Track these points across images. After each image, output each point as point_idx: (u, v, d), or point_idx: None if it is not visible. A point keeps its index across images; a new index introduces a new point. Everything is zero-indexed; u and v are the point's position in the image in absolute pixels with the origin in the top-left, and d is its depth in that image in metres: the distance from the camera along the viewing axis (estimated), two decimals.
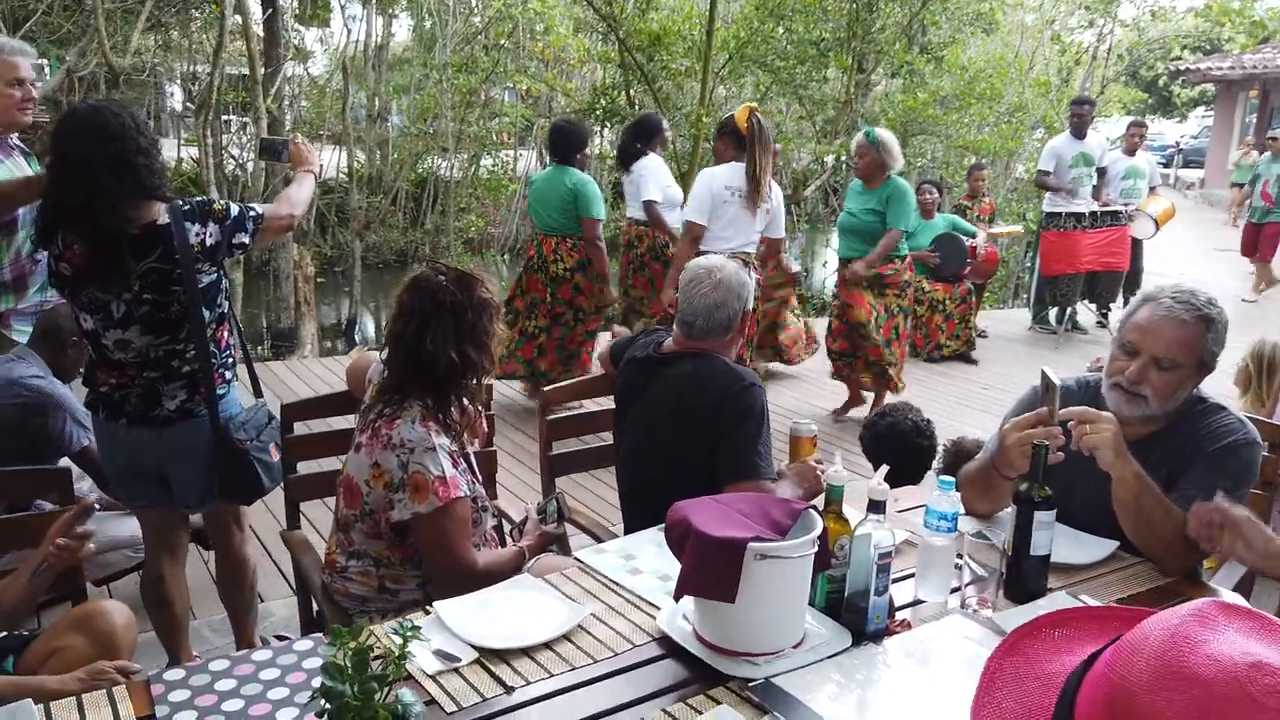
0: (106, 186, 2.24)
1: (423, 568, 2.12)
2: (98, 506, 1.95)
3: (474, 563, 2.06)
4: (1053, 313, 8.24)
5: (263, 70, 9.41)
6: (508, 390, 5.78)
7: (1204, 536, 1.83)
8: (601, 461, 2.92)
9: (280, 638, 2.86)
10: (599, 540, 2.36)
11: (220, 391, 2.50)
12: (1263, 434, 2.09)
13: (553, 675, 1.56)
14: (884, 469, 1.78)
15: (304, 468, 2.73)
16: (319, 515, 3.55)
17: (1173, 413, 2.04)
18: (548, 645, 1.64)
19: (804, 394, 6.13)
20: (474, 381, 2.16)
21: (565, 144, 5.21)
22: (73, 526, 1.78)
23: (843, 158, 12.16)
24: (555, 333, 5.31)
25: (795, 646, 1.59)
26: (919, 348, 7.17)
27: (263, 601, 3.32)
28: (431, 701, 1.47)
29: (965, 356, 7.18)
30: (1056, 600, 1.82)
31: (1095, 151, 7.45)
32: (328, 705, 1.21)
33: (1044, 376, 1.97)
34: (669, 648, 1.63)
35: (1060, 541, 1.87)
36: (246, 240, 2.47)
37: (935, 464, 3.40)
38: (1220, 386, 2.24)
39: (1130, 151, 7.92)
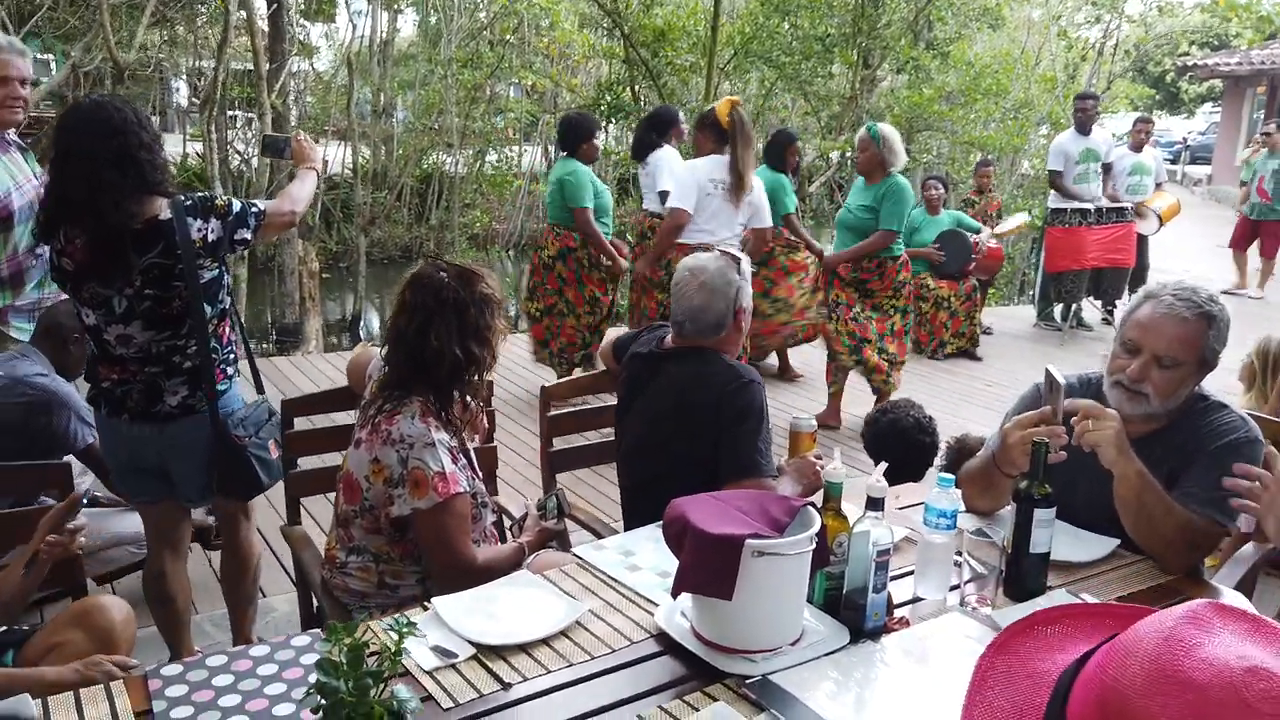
0: (110, 181, 2.24)
1: (422, 563, 2.12)
2: (85, 501, 1.95)
3: (473, 558, 2.06)
4: (1058, 309, 8.21)
5: (267, 65, 9.42)
6: (509, 386, 5.79)
7: (1243, 489, 1.81)
8: (602, 457, 2.92)
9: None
10: (599, 536, 2.36)
11: (221, 387, 2.51)
12: (1265, 431, 2.08)
13: (550, 672, 1.56)
14: (883, 466, 1.78)
15: (305, 463, 2.74)
16: (321, 510, 3.55)
17: (1174, 411, 2.03)
18: (545, 642, 1.64)
19: (805, 390, 6.12)
20: (476, 377, 2.16)
21: (571, 136, 5.30)
22: (62, 520, 1.78)
23: (847, 154, 12.12)
24: (553, 322, 5.47)
25: (793, 644, 1.59)
26: (923, 344, 7.16)
27: (264, 597, 3.33)
28: (428, 698, 1.47)
29: (969, 353, 7.16)
30: (1056, 598, 1.81)
31: (1101, 147, 7.42)
32: (323, 701, 1.21)
33: (1048, 375, 1.96)
34: (667, 644, 1.63)
35: (1060, 539, 1.86)
36: (248, 236, 2.48)
37: (938, 461, 3.40)
38: (1223, 383, 2.23)
39: (1137, 148, 7.89)
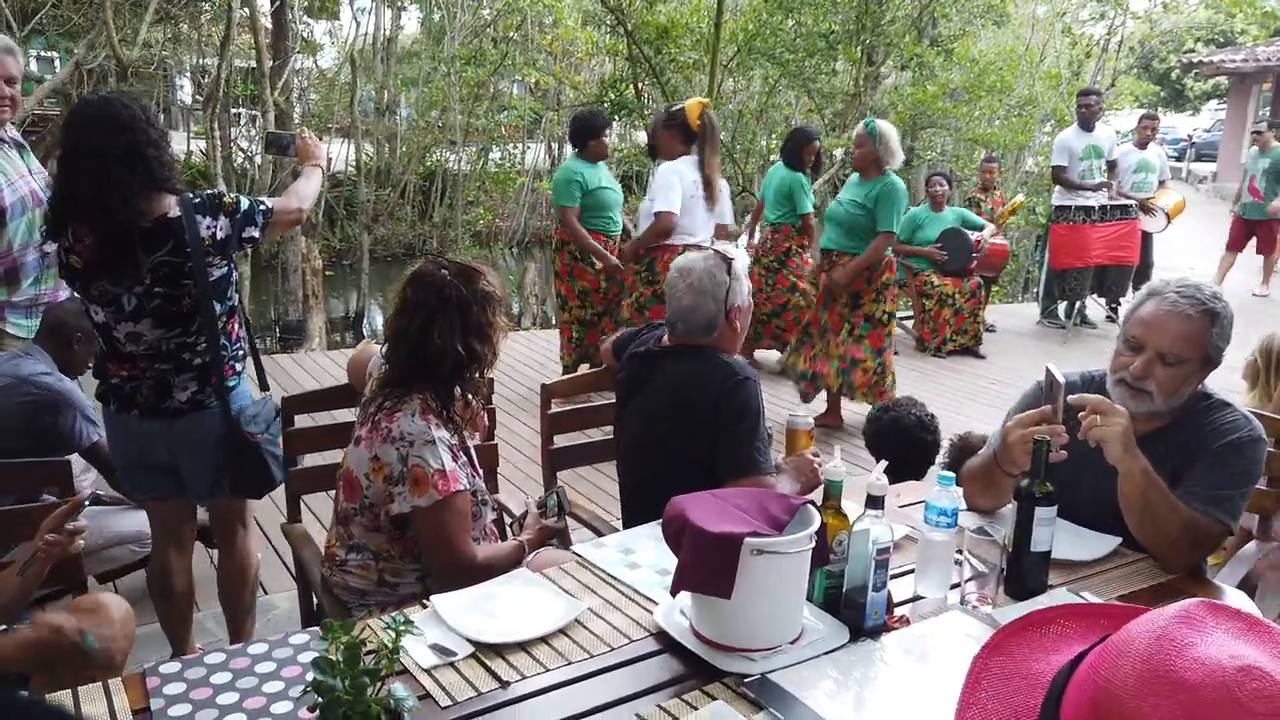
0: (118, 178, 2.24)
1: (422, 561, 2.12)
2: (88, 502, 1.95)
3: (473, 556, 2.05)
4: (1061, 307, 8.19)
5: (270, 63, 9.42)
6: (510, 383, 5.80)
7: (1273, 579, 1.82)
8: (603, 455, 2.91)
9: None
10: (600, 534, 2.36)
11: (230, 384, 2.51)
12: (1268, 430, 2.07)
13: (548, 670, 1.55)
14: (883, 464, 1.77)
15: (306, 460, 2.73)
16: (321, 507, 3.56)
17: (1178, 409, 2.02)
18: (544, 640, 1.63)
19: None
20: (477, 374, 2.16)
21: (579, 133, 5.32)
22: (64, 521, 1.78)
23: (851, 151, 12.08)
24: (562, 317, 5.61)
25: (792, 642, 1.59)
26: (926, 342, 7.15)
27: (265, 594, 3.33)
28: (426, 696, 1.47)
29: (973, 351, 7.14)
30: (1057, 597, 1.81)
31: (1104, 144, 7.39)
32: (319, 699, 1.21)
33: (1048, 373, 1.96)
34: (666, 643, 1.63)
35: (1062, 538, 1.86)
36: (256, 234, 2.48)
37: (940, 459, 3.39)
38: (1226, 381, 2.22)
39: (1142, 145, 7.86)
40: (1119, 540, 2.01)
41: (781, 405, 5.38)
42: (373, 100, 14.45)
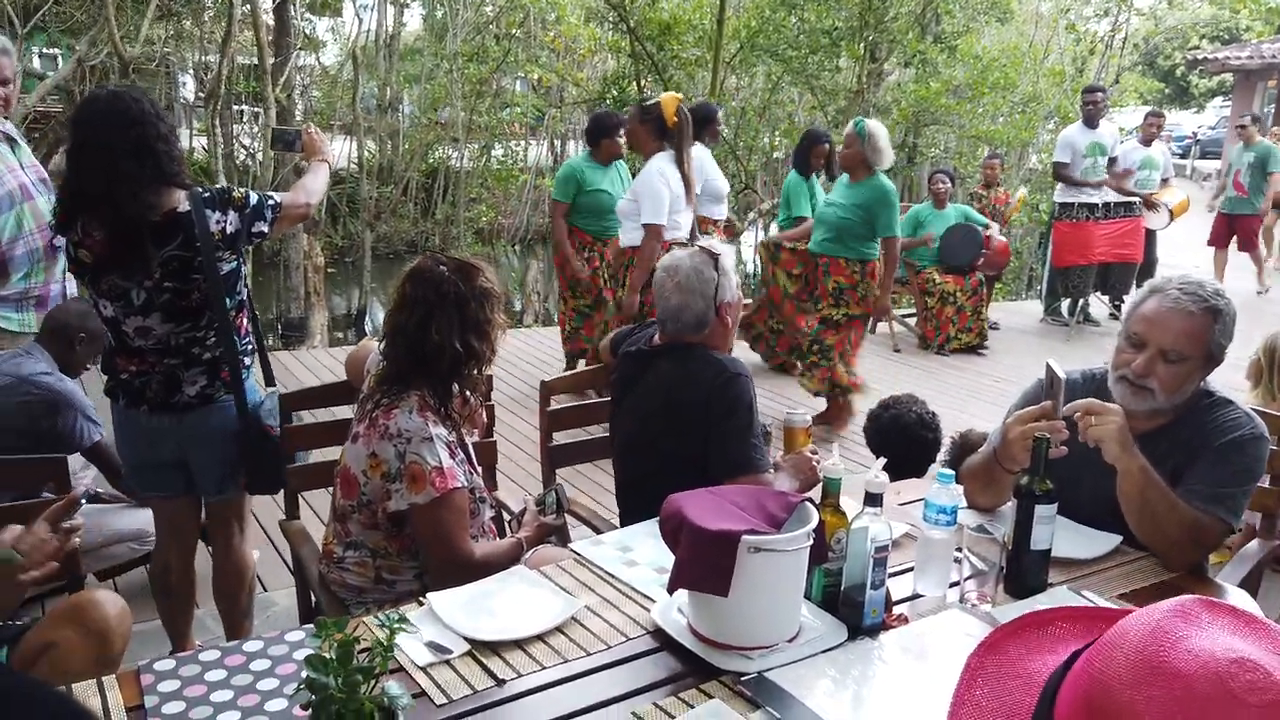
0: (127, 172, 2.23)
1: (420, 558, 2.11)
2: (85, 500, 1.94)
3: (471, 554, 2.05)
4: (1065, 304, 8.16)
5: (272, 60, 9.42)
6: (509, 380, 5.79)
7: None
8: (603, 453, 2.90)
9: None
10: (599, 531, 2.35)
11: (242, 378, 2.50)
12: (1271, 428, 2.06)
13: (545, 668, 1.54)
14: (882, 461, 1.76)
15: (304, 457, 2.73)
16: (320, 504, 3.55)
17: (1180, 406, 2.01)
18: (540, 637, 1.62)
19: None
20: (475, 371, 2.15)
21: (591, 131, 5.45)
22: (59, 518, 1.77)
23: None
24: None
25: (790, 641, 1.58)
26: (928, 340, 7.13)
27: (265, 590, 3.33)
28: (421, 694, 1.46)
29: (975, 349, 7.12)
30: (1057, 595, 1.79)
31: (1108, 141, 7.37)
32: (313, 697, 1.20)
33: (1049, 370, 1.94)
34: (663, 641, 1.62)
35: (1062, 536, 1.85)
36: (265, 229, 2.47)
37: (941, 456, 3.37)
38: (1229, 380, 2.20)
39: (1146, 142, 7.83)
40: (1119, 539, 1.99)
41: (781, 404, 5.37)
42: (375, 97, 14.43)
